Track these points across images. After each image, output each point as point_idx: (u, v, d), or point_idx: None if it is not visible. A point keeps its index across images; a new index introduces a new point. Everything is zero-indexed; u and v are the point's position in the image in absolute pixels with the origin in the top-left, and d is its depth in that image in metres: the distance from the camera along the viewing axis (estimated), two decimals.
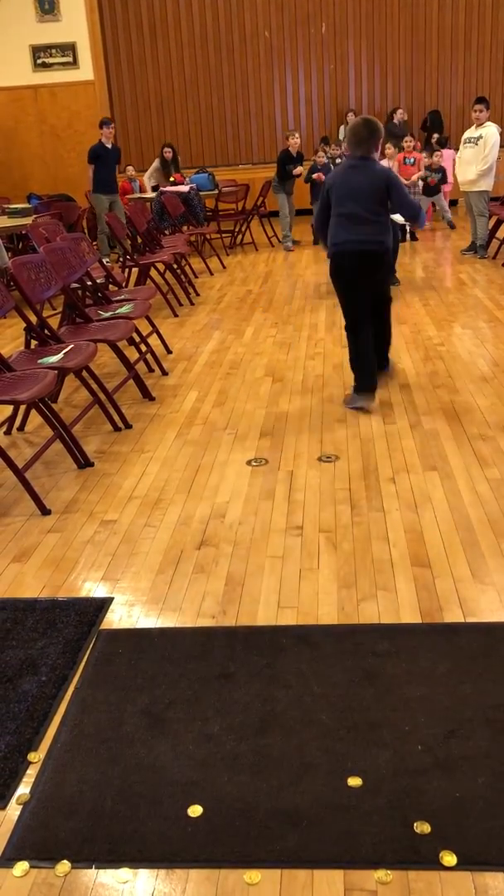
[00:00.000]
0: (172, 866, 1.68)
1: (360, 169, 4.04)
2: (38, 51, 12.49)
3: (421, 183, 9.99)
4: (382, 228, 4.05)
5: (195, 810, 1.79)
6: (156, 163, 10.94)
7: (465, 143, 8.22)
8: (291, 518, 3.11)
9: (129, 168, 11.40)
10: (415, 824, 1.72)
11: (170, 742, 2.00)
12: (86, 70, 12.69)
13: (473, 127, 8.10)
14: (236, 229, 10.44)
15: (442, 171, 9.72)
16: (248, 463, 3.65)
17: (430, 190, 9.91)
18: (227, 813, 1.78)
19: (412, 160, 9.39)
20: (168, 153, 10.74)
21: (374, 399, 4.21)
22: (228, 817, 1.77)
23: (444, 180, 9.79)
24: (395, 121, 11.50)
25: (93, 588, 2.72)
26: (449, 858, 1.64)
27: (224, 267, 9.06)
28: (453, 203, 11.35)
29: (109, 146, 9.51)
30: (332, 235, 4.11)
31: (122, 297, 5.27)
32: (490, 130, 7.96)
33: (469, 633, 2.34)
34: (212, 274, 8.65)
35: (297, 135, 9.60)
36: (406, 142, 9.56)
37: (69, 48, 12.55)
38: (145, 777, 1.90)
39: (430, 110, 12.16)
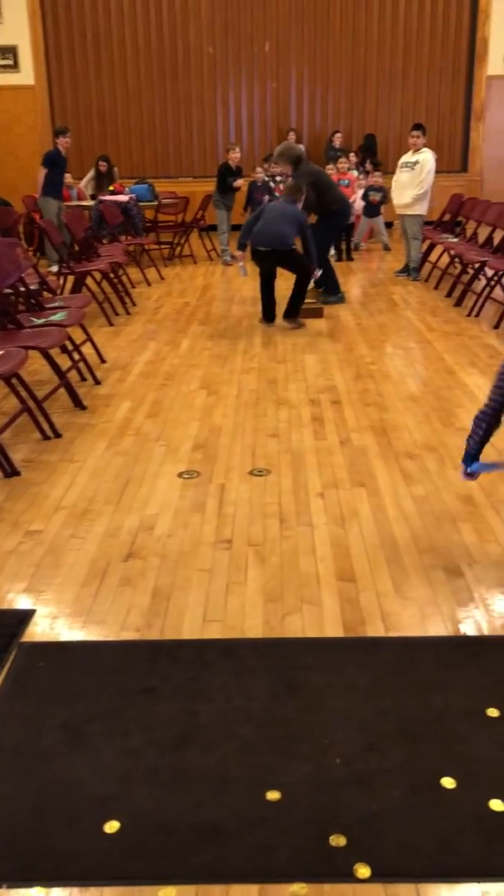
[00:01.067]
0: (87, 884, 1.65)
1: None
2: None
3: (362, 204, 10.19)
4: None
5: (112, 826, 1.77)
6: (91, 173, 10.92)
7: (401, 167, 8.42)
8: (221, 531, 3.11)
9: (67, 175, 11.33)
10: (331, 837, 1.74)
11: (89, 757, 1.97)
12: (27, 74, 12.55)
13: (411, 152, 8.31)
14: (175, 241, 10.45)
15: (384, 190, 9.93)
16: (180, 475, 3.64)
17: (372, 210, 10.10)
18: (145, 828, 1.77)
19: (346, 182, 9.57)
20: (103, 166, 10.74)
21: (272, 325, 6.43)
22: (146, 833, 1.76)
23: (384, 200, 9.99)
24: (335, 143, 11.74)
25: (15, 600, 2.67)
26: (363, 871, 1.66)
27: (162, 278, 9.05)
28: (389, 225, 11.61)
29: (63, 154, 9.49)
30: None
31: (56, 304, 5.22)
32: (426, 156, 8.18)
33: (390, 646, 2.38)
34: (149, 285, 8.63)
35: (237, 149, 9.68)
36: (341, 163, 9.75)
37: (10, 51, 12.39)
38: (62, 793, 1.86)
39: (366, 134, 12.42)
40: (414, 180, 8.19)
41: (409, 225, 8.45)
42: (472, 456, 2.85)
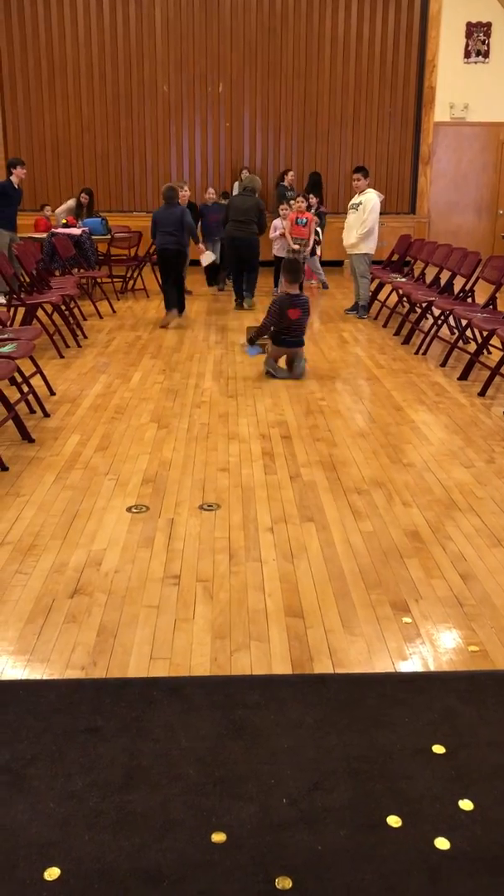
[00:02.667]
0: None
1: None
2: None
3: (312, 244, 10.37)
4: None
5: (52, 873, 1.72)
6: (71, 202, 10.97)
7: (349, 209, 8.66)
8: (169, 567, 3.09)
9: (47, 208, 11.38)
10: (276, 880, 1.71)
11: (29, 800, 1.92)
12: None
13: (357, 194, 8.55)
14: (128, 275, 10.47)
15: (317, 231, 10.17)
16: (129, 510, 3.62)
17: (312, 251, 10.29)
18: (86, 875, 1.72)
19: (304, 220, 9.74)
20: (85, 199, 10.88)
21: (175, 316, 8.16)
22: (87, 879, 1.71)
23: (318, 241, 10.21)
24: (286, 182, 11.94)
25: None
26: None
27: (114, 311, 9.05)
28: (339, 263, 11.83)
29: (17, 186, 9.42)
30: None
31: (6, 335, 5.17)
32: (369, 197, 8.42)
33: (337, 683, 2.38)
34: (101, 318, 8.62)
35: (185, 187, 9.76)
36: (298, 202, 9.91)
37: None
38: (0, 839, 1.81)
39: (310, 172, 12.63)
40: (358, 220, 8.42)
41: (356, 263, 8.66)
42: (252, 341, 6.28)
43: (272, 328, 6.08)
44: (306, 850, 1.79)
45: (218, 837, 1.82)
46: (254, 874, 1.73)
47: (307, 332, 7.17)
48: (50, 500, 3.72)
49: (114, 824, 1.85)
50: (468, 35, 12.73)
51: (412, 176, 13.36)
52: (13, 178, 9.37)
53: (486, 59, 12.78)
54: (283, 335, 6.05)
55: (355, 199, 8.57)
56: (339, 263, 12.52)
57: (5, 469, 4.08)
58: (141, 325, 8.29)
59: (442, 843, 1.81)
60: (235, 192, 12.19)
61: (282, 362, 6.18)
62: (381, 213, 8.71)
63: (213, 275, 10.67)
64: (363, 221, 8.39)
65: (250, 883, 1.71)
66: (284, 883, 1.70)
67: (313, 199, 10.76)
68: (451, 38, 12.72)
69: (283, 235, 9.68)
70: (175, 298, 8.31)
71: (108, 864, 1.75)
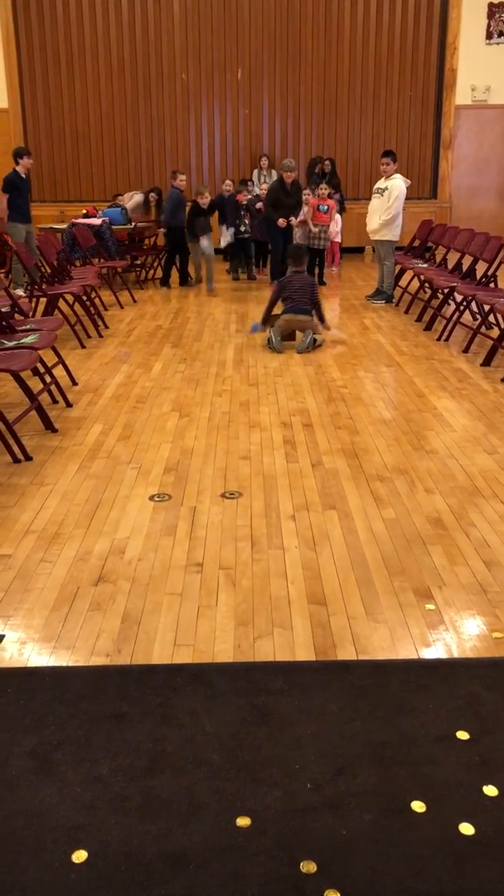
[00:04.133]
0: None
1: None
2: None
3: (337, 230, 10.33)
4: None
5: (80, 856, 1.75)
6: (139, 198, 11.17)
7: (374, 193, 8.58)
8: (192, 554, 3.10)
9: (120, 198, 11.28)
10: (301, 864, 1.72)
11: (56, 785, 1.94)
12: (0, 98, 12.59)
13: (383, 178, 8.46)
14: (148, 264, 10.48)
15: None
16: (151, 498, 3.63)
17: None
18: (113, 857, 1.74)
19: (325, 207, 9.68)
20: (154, 198, 11.17)
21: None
22: (114, 862, 1.73)
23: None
24: (317, 171, 11.84)
25: None
26: None
27: (135, 301, 9.06)
28: (360, 250, 11.75)
29: (24, 176, 9.45)
30: None
31: (28, 326, 5.20)
32: (396, 183, 8.33)
33: (360, 670, 2.38)
34: (122, 307, 8.64)
35: (206, 193, 9.73)
36: (321, 189, 9.85)
37: None
38: (28, 822, 1.84)
39: (327, 158, 12.51)
40: (382, 206, 8.34)
41: (380, 249, 8.60)
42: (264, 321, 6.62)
43: (276, 301, 6.90)
44: (331, 835, 1.80)
45: (243, 822, 1.83)
46: (279, 858, 1.74)
47: (329, 318, 7.15)
48: (73, 489, 3.75)
49: (139, 808, 1.87)
50: (490, 16, 12.54)
51: (433, 160, 13.23)
52: (20, 169, 9.36)
53: None
54: (285, 302, 6.79)
55: (381, 184, 8.48)
56: (359, 250, 12.44)
57: (29, 459, 4.11)
58: (161, 314, 8.29)
59: (466, 829, 1.81)
60: (256, 179, 12.17)
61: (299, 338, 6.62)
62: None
63: (233, 263, 10.65)
64: (388, 208, 8.30)
65: (275, 867, 1.72)
66: (309, 867, 1.72)
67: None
68: (473, 19, 12.54)
69: (304, 222, 9.64)
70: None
71: (134, 847, 1.77)
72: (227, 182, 10.53)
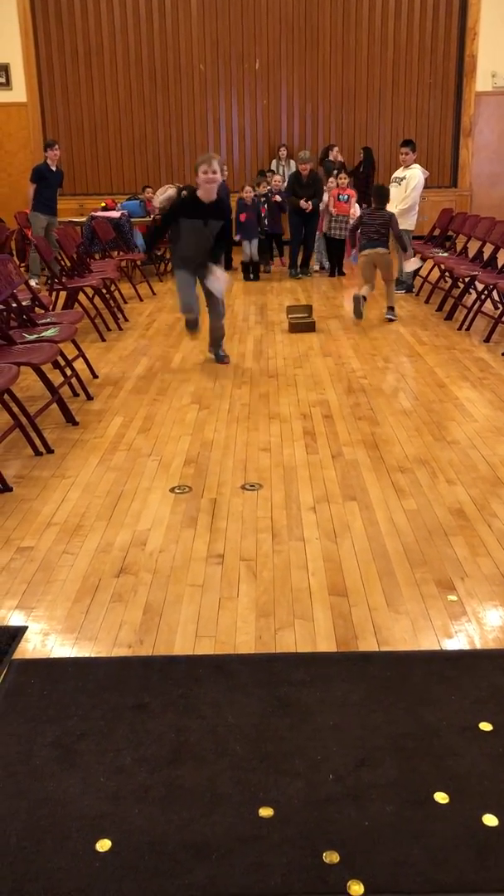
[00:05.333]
0: None
1: None
2: None
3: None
4: None
5: (104, 845, 1.76)
6: (172, 192, 11.01)
7: (392, 182, 8.52)
8: (213, 546, 3.11)
9: (148, 190, 11.25)
10: (324, 854, 1.73)
11: (80, 775, 1.96)
12: (19, 92, 12.63)
13: (402, 168, 8.41)
14: (168, 257, 10.47)
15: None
16: (172, 490, 3.64)
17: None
18: (136, 847, 1.76)
19: (346, 197, 9.62)
20: (185, 194, 10.94)
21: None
22: (137, 851, 1.75)
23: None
24: (331, 158, 11.75)
25: (6, 617, 2.66)
26: (356, 888, 1.65)
27: (154, 293, 9.07)
28: None
29: (54, 168, 9.49)
30: None
31: (48, 320, 5.22)
32: (414, 172, 8.27)
33: (382, 661, 2.37)
34: (141, 300, 8.66)
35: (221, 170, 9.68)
36: (341, 178, 9.78)
37: (2, 69, 12.48)
38: (53, 811, 1.85)
39: (362, 146, 12.44)
40: (399, 195, 8.27)
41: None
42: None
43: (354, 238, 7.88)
44: (353, 826, 1.80)
45: (265, 812, 1.84)
46: (301, 848, 1.74)
47: (347, 309, 7.11)
48: (95, 481, 3.76)
49: (162, 798, 1.88)
50: None
51: (453, 148, 13.10)
52: (49, 161, 9.41)
53: None
54: (363, 238, 7.34)
55: (399, 173, 8.43)
56: None
57: (51, 451, 4.13)
58: None
59: (490, 820, 1.80)
60: (275, 168, 12.11)
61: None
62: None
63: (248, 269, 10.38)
64: (405, 197, 8.25)
65: (298, 857, 1.72)
66: (332, 857, 1.72)
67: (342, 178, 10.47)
68: (493, 4, 12.37)
69: (324, 212, 9.62)
70: None
71: (157, 836, 1.78)
72: (248, 188, 10.04)
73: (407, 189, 8.24)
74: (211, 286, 5.55)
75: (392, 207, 8.38)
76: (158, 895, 1.64)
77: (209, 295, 5.68)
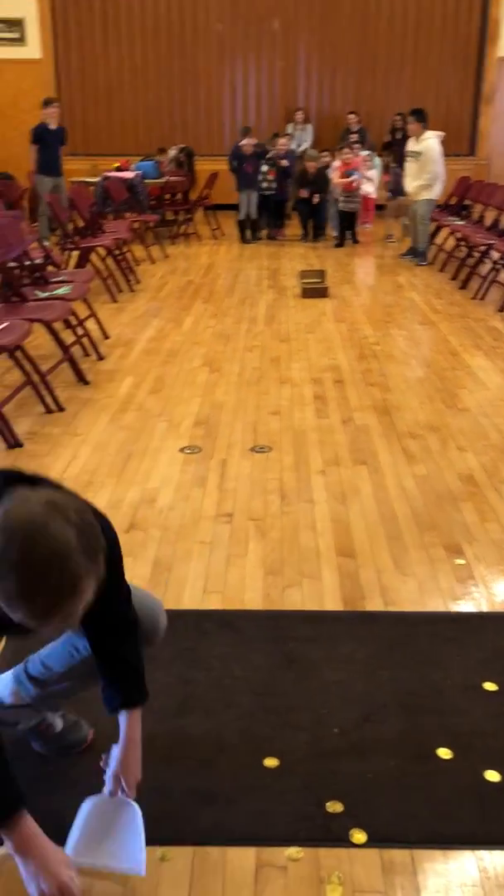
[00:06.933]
0: None
1: None
2: None
3: (370, 190, 10.14)
4: None
5: None
6: (174, 153, 11.02)
7: (408, 156, 8.29)
8: (222, 506, 3.12)
9: (163, 151, 11.15)
10: (327, 804, 1.75)
11: (88, 722, 1.98)
12: (33, 48, 12.41)
13: (413, 139, 8.18)
14: (181, 219, 10.38)
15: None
16: (181, 450, 3.65)
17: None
18: (143, 792, 1.78)
19: (352, 172, 9.44)
20: (182, 157, 10.98)
21: None
22: (144, 797, 1.77)
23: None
24: (348, 125, 11.50)
25: None
26: (359, 836, 1.68)
27: (166, 256, 9.00)
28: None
29: (53, 127, 9.27)
30: None
31: (61, 278, 5.20)
32: (429, 143, 8.00)
33: (388, 621, 2.39)
34: (153, 262, 8.60)
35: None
36: (345, 153, 9.55)
37: (16, 24, 12.26)
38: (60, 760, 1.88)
39: (397, 113, 11.97)
40: (421, 170, 8.03)
41: (419, 208, 8.31)
42: None
43: None
44: (357, 778, 1.82)
45: (270, 762, 1.86)
46: (305, 797, 1.77)
47: (361, 277, 7.04)
48: (105, 439, 3.77)
49: (168, 747, 1.91)
50: None
51: (472, 115, 12.85)
52: (46, 120, 9.17)
53: None
54: None
55: (413, 146, 8.15)
56: None
57: (62, 409, 4.14)
58: (193, 269, 8.24)
59: (492, 776, 1.82)
60: (290, 132, 11.92)
61: None
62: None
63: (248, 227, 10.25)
64: (427, 172, 7.94)
65: (302, 805, 1.75)
66: (335, 807, 1.74)
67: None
68: None
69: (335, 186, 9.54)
70: None
71: (162, 782, 1.80)
72: (246, 140, 9.76)
73: (428, 164, 7.98)
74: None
75: (411, 181, 8.19)
76: (166, 839, 1.67)
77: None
